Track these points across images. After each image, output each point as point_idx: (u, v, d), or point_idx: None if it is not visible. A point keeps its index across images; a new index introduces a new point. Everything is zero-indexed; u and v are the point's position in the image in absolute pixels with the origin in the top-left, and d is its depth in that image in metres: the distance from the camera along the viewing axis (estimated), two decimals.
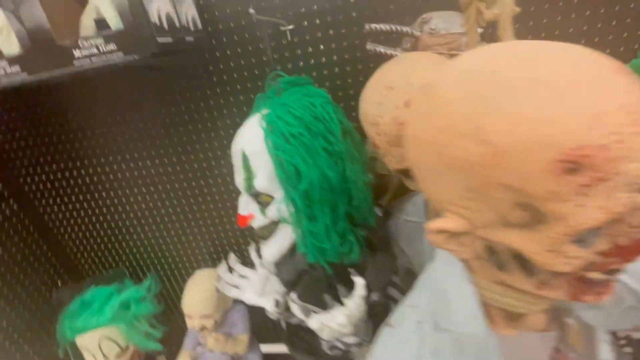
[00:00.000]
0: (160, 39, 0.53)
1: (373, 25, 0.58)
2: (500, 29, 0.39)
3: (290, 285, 0.55)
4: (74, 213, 1.02)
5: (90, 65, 0.52)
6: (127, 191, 0.97)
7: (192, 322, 0.91)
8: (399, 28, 0.58)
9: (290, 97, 0.52)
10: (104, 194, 0.98)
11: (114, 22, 0.51)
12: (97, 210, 1.02)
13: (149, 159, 0.92)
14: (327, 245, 0.50)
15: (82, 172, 0.95)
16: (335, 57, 0.74)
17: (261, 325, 1.10)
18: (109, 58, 0.52)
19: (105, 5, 0.51)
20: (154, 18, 0.52)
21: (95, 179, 0.96)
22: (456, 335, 0.39)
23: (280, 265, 0.56)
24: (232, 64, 0.77)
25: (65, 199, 1.00)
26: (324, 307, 0.51)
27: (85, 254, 1.09)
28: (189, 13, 0.65)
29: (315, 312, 0.50)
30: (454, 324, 0.39)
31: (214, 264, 1.07)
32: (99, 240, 1.06)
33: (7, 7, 0.52)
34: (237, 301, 1.03)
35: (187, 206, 0.98)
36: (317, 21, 0.71)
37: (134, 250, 1.07)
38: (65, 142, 0.92)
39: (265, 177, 0.50)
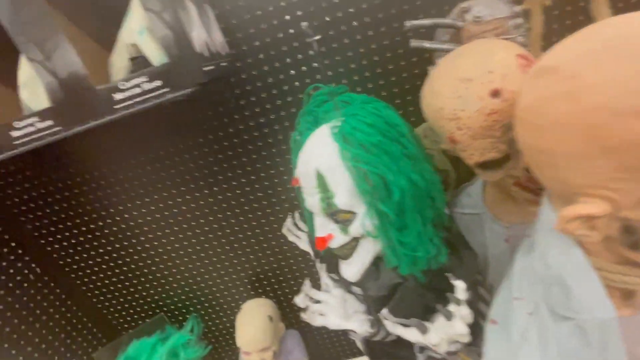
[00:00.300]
0: (204, 68, 0.50)
1: (414, 22, 0.57)
2: (594, 4, 0.38)
3: (380, 302, 0.52)
4: (103, 266, 0.96)
5: (138, 106, 0.49)
6: (158, 233, 0.92)
7: (251, 358, 0.87)
8: (439, 21, 0.57)
9: (353, 107, 0.50)
10: (133, 240, 0.93)
11: (157, 57, 0.48)
12: (127, 259, 0.96)
13: (179, 196, 0.87)
14: (420, 254, 0.48)
15: (108, 220, 0.90)
16: (364, 62, 0.72)
17: (314, 347, 1.06)
18: (155, 96, 0.49)
19: (146, 40, 0.48)
20: (197, 47, 0.49)
21: (122, 225, 0.91)
22: (579, 322, 0.37)
23: (366, 283, 0.53)
24: (258, 84, 0.74)
25: (92, 253, 0.94)
26: (429, 318, 0.48)
27: (119, 307, 1.02)
28: (217, 38, 0.62)
29: (429, 327, 0.47)
30: (576, 311, 0.37)
31: (256, 294, 1.02)
32: (132, 290, 1.00)
33: (35, 58, 0.49)
34: (288, 326, 0.99)
35: (223, 238, 0.93)
36: (344, 28, 0.69)
37: (170, 293, 1.02)
38: (87, 193, 0.86)
39: (346, 193, 0.47)
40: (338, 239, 0.50)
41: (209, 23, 0.58)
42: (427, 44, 0.57)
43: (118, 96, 0.49)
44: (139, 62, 0.51)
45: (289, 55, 0.72)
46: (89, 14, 0.54)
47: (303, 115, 0.62)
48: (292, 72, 0.73)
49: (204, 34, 0.53)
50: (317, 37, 0.69)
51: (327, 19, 0.68)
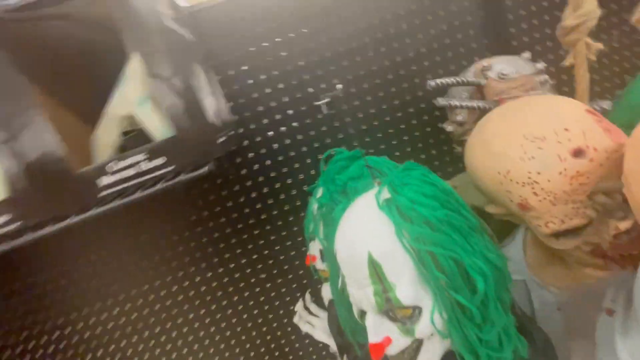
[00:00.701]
0: (218, 141, 0.41)
1: (438, 81, 0.54)
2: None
3: None
4: None
5: (135, 193, 0.38)
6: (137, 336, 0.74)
7: None
8: (462, 79, 0.54)
9: (395, 174, 0.43)
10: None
11: (161, 131, 0.39)
12: None
13: (165, 289, 0.72)
14: (506, 352, 0.37)
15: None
16: (375, 123, 0.68)
17: None
18: (157, 177, 0.39)
19: (148, 111, 0.39)
20: (210, 116, 0.41)
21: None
22: None
23: None
24: (262, 151, 0.66)
25: None
26: None
27: None
28: (223, 104, 0.55)
29: None
30: None
31: None
32: None
33: None
34: None
35: (217, 334, 0.77)
36: (353, 90, 0.65)
37: None
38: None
39: (409, 284, 0.37)
40: (398, 343, 0.39)
41: (215, 89, 0.51)
42: (455, 102, 0.53)
43: (105, 181, 0.39)
44: (134, 138, 0.41)
45: (296, 119, 0.66)
46: (70, 84, 0.45)
47: (325, 183, 0.54)
48: (300, 136, 0.67)
49: (214, 102, 0.46)
50: (326, 100, 0.64)
51: (335, 81, 0.65)
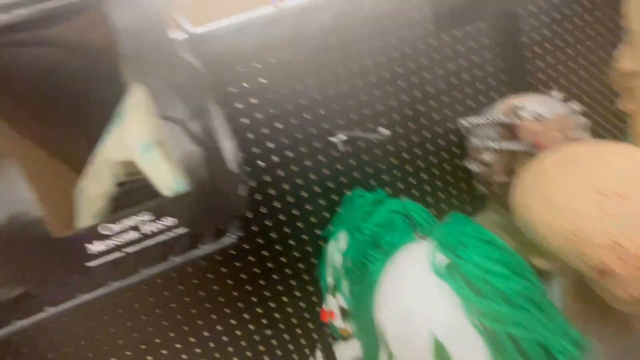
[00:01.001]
0: (242, 193, 0.34)
1: (470, 120, 0.50)
2: None
3: None
4: None
5: (139, 268, 0.30)
6: None
7: None
8: (495, 119, 0.50)
9: (447, 229, 0.37)
10: None
11: (171, 184, 0.31)
12: None
13: None
14: None
15: None
16: (395, 161, 0.63)
17: None
18: (168, 241, 0.31)
19: (155, 160, 0.31)
20: (234, 165, 0.34)
21: None
22: None
23: None
24: (271, 192, 0.59)
25: None
26: None
27: None
28: (234, 144, 0.48)
29: None
30: None
31: None
32: None
33: None
34: None
35: None
36: (371, 125, 0.61)
37: None
38: None
39: None
40: None
41: (226, 128, 0.44)
42: (492, 144, 0.49)
43: (96, 247, 0.30)
44: (134, 190, 0.33)
45: (309, 157, 0.59)
46: (54, 122, 0.37)
47: (349, 232, 0.47)
48: (313, 176, 0.60)
49: (231, 145, 0.39)
50: (344, 137, 0.59)
51: (355, 117, 0.59)
